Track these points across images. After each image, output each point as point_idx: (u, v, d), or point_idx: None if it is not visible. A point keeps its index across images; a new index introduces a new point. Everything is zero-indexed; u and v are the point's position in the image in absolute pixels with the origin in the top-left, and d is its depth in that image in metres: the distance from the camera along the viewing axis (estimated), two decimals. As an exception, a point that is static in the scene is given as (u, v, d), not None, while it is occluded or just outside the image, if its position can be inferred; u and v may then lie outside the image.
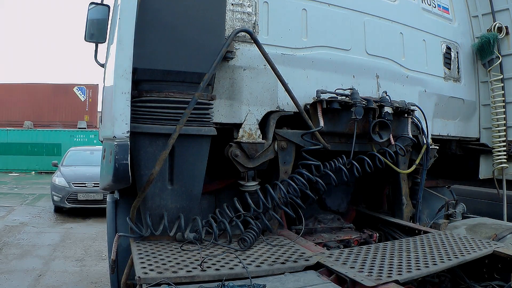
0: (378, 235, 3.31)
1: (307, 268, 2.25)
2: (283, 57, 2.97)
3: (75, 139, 21.89)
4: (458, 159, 4.53)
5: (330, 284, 2.03)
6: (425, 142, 3.55)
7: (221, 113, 2.81)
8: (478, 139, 4.39)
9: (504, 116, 4.13)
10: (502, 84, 4.13)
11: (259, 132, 2.89)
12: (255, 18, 2.90)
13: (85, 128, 23.75)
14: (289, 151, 2.99)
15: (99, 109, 17.44)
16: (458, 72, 4.10)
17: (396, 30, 3.54)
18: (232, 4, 2.82)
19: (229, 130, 2.89)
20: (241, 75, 2.84)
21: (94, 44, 3.61)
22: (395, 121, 3.30)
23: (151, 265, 2.12)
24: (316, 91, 2.97)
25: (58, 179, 10.74)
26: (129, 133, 2.32)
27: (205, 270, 2.08)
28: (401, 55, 3.55)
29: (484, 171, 4.39)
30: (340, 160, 3.05)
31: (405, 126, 3.44)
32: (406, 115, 3.39)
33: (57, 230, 8.92)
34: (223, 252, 2.40)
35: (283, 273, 2.15)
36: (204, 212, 2.93)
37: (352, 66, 3.26)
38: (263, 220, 2.76)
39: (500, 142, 4.15)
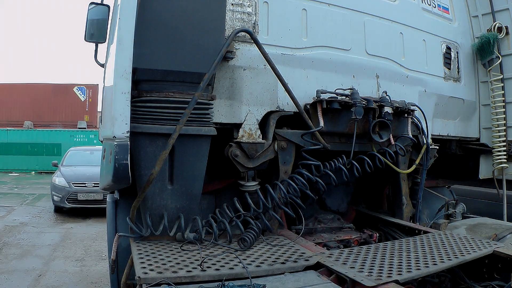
0: (378, 235, 3.31)
1: (307, 268, 2.25)
2: (283, 57, 2.97)
3: (75, 139, 21.90)
4: (458, 159, 4.53)
5: (330, 284, 2.03)
6: (425, 142, 3.55)
7: (221, 113, 2.81)
8: (478, 139, 4.39)
9: (504, 116, 4.13)
10: (502, 84, 4.13)
11: (259, 132, 2.89)
12: (255, 18, 2.90)
13: (85, 128, 23.75)
14: (289, 151, 2.99)
15: (99, 109, 17.45)
16: (458, 72, 4.11)
17: (396, 30, 3.54)
18: (232, 4, 2.82)
19: (229, 130, 2.89)
20: (241, 75, 2.84)
21: (94, 44, 3.61)
22: (395, 121, 3.30)
23: (151, 265, 2.12)
24: (316, 91, 2.97)
25: (58, 179, 10.74)
26: (129, 133, 2.33)
27: (205, 270, 2.08)
28: (401, 55, 3.55)
29: (484, 171, 4.39)
30: (340, 160, 3.05)
31: (405, 126, 3.44)
32: (406, 115, 3.39)
33: (57, 230, 8.92)
34: (223, 252, 2.40)
35: (283, 273, 2.15)
36: (204, 212, 2.93)
37: (352, 66, 3.26)
38: (263, 220, 2.76)
39: (500, 142, 4.15)
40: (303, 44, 3.07)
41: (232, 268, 2.12)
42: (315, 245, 2.72)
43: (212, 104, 2.68)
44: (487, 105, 4.27)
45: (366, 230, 3.35)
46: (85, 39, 3.54)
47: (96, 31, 3.50)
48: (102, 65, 3.55)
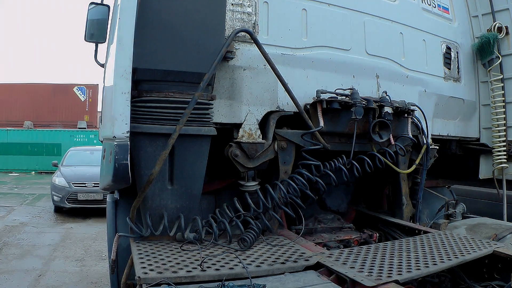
0: (378, 235, 3.31)
1: (307, 268, 2.25)
2: (283, 57, 2.97)
3: (75, 139, 21.90)
4: (458, 159, 4.53)
5: (330, 284, 2.03)
6: (425, 142, 3.55)
7: (221, 113, 2.81)
8: (478, 139, 4.39)
9: (504, 116, 4.13)
10: (502, 84, 4.13)
11: (259, 132, 2.89)
12: (255, 18, 2.90)
13: (85, 128, 23.75)
14: (289, 151, 2.99)
15: (99, 109, 17.46)
16: (458, 72, 4.11)
17: (396, 30, 3.54)
18: (232, 4, 2.82)
19: (229, 130, 2.89)
20: (241, 75, 2.84)
21: (94, 44, 3.61)
22: (395, 121, 3.30)
23: (151, 265, 2.12)
24: (316, 91, 2.97)
25: (58, 179, 10.74)
26: (129, 133, 2.32)
27: (205, 270, 2.08)
28: (401, 55, 3.55)
29: (484, 171, 4.39)
30: (340, 160, 3.05)
31: (405, 126, 3.44)
32: (406, 115, 3.39)
33: (57, 230, 8.92)
34: (223, 252, 2.40)
35: (283, 273, 2.15)
36: (204, 212, 2.93)
37: (352, 66, 3.26)
38: (263, 220, 2.76)
39: (500, 142, 4.15)
40: (303, 44, 3.07)
41: (232, 268, 2.12)
42: (315, 245, 2.72)
43: (212, 104, 2.68)
44: (487, 105, 4.27)
45: (366, 230, 3.35)
46: (85, 39, 3.54)
47: (96, 31, 3.50)
48: (102, 65, 3.55)
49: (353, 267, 2.19)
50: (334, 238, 3.19)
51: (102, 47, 3.54)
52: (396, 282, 2.01)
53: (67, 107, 25.76)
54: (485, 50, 4.12)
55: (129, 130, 2.32)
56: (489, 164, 4.32)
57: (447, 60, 3.97)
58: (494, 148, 4.21)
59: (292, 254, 2.41)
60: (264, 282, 1.96)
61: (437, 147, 3.82)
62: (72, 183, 10.42)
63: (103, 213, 6.06)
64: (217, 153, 2.84)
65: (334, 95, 3.01)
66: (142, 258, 2.24)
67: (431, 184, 4.37)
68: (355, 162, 3.08)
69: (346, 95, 3.04)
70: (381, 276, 2.06)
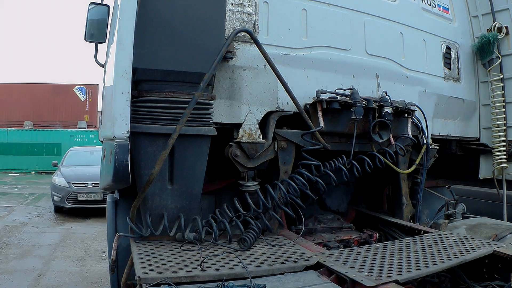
0: (378, 235, 3.31)
1: (307, 268, 2.25)
2: (283, 57, 2.97)
3: (75, 139, 21.90)
4: (458, 159, 4.53)
5: (330, 284, 2.03)
6: (425, 142, 3.55)
7: (221, 113, 2.81)
8: (478, 139, 4.39)
9: (504, 116, 4.13)
10: (502, 84, 4.13)
11: (259, 132, 2.89)
12: (255, 18, 2.90)
13: (85, 128, 23.76)
14: (289, 151, 2.99)
15: (99, 109, 17.46)
16: (458, 72, 4.11)
17: (396, 30, 3.54)
18: (232, 4, 2.82)
19: (229, 130, 2.89)
20: (241, 75, 2.84)
21: (94, 44, 3.61)
22: (395, 121, 3.30)
23: (151, 265, 2.12)
24: (316, 91, 2.97)
25: (58, 179, 10.74)
26: (129, 133, 2.32)
27: (205, 270, 2.08)
28: (401, 55, 3.55)
29: (484, 171, 4.39)
30: (340, 160, 3.05)
31: (405, 126, 3.44)
32: (406, 115, 3.39)
33: (57, 230, 8.92)
34: (223, 252, 2.40)
35: (283, 273, 2.15)
36: (204, 212, 2.93)
37: (352, 66, 3.26)
38: (263, 220, 2.76)
39: (500, 142, 4.15)
40: (303, 44, 3.07)
41: (232, 268, 2.12)
42: (315, 245, 2.72)
43: (212, 104, 2.68)
44: (487, 105, 4.27)
45: (366, 230, 3.35)
46: (85, 39, 3.54)
47: (96, 31, 3.50)
48: (102, 65, 3.55)
49: (353, 267, 2.19)
50: (334, 238, 3.19)
51: (102, 47, 3.54)
52: (396, 282, 2.01)
53: (67, 107, 25.76)
54: (485, 50, 4.12)
55: (129, 130, 2.33)
56: (489, 164, 4.32)
57: (447, 60, 3.97)
58: (494, 148, 4.21)
59: (292, 254, 2.41)
60: (264, 282, 1.96)
61: (437, 147, 3.82)
62: (72, 183, 10.42)
63: (103, 213, 6.06)
64: (217, 153, 2.84)
65: (334, 95, 3.01)
66: (142, 258, 2.24)
67: (431, 184, 4.37)
68: (355, 162, 3.08)
69: (346, 95, 3.04)
70: (381, 276, 2.06)
